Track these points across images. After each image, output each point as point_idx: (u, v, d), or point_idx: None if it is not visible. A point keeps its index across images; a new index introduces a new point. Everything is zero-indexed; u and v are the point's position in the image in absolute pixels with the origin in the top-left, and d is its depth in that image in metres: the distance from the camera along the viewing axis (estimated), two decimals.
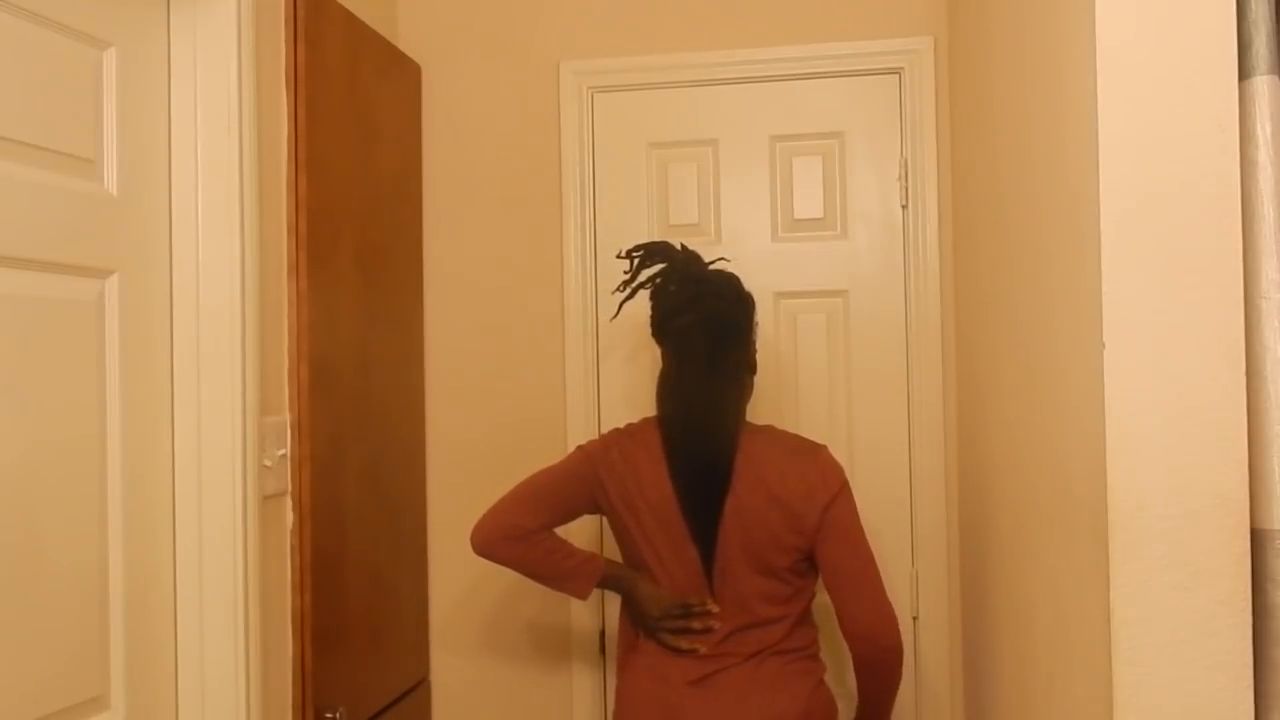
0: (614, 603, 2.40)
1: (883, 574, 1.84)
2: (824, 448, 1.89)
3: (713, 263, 1.95)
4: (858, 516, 1.85)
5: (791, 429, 2.03)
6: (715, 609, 1.83)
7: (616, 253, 2.02)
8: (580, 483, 1.89)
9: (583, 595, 1.91)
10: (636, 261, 1.96)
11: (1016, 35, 1.70)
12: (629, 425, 1.96)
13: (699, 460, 1.82)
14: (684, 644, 1.82)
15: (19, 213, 1.45)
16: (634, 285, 1.96)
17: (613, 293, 2.03)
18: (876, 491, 2.39)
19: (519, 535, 1.83)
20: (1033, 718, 1.67)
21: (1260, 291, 1.20)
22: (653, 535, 1.85)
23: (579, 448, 1.95)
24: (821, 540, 1.82)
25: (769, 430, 1.91)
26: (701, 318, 1.84)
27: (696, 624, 1.83)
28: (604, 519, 2.02)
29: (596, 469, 1.88)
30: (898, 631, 1.82)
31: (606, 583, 1.92)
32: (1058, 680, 1.49)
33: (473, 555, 1.86)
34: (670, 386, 1.88)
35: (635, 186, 2.49)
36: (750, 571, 1.82)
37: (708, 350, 1.83)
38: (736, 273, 1.95)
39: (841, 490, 1.84)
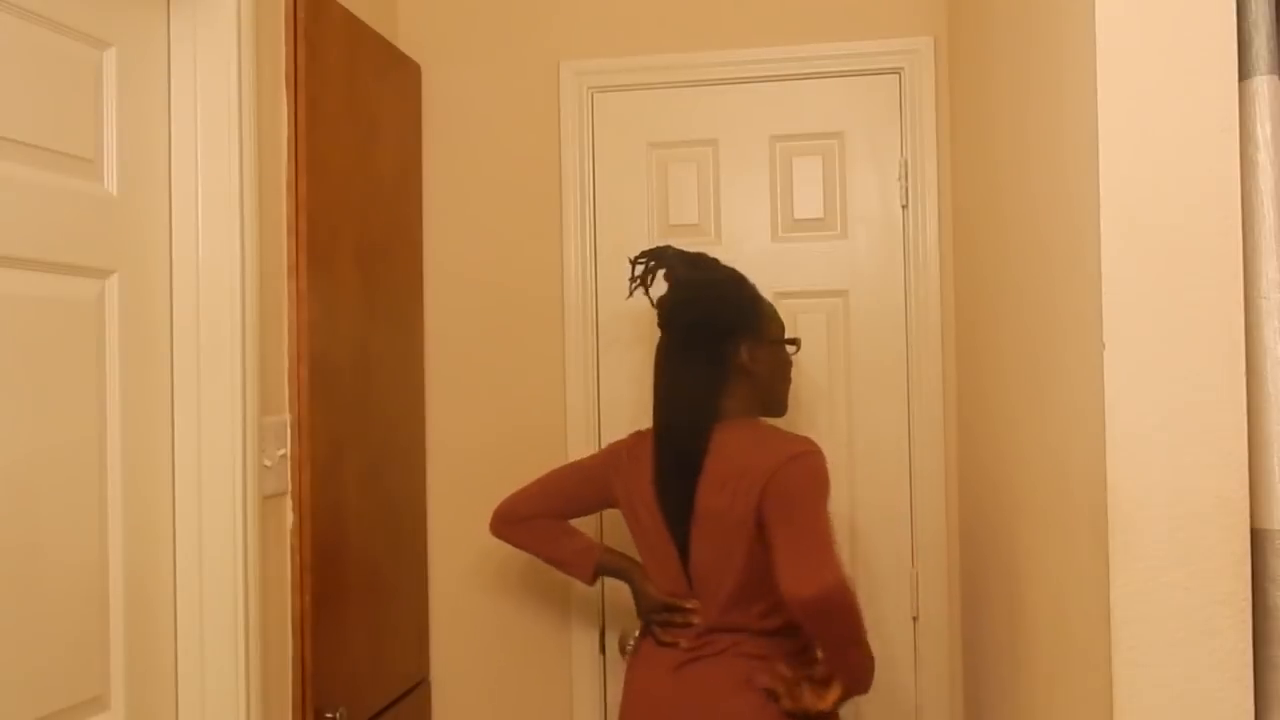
0: (614, 603, 2.41)
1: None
2: (803, 440, 1.80)
3: (718, 266, 1.97)
4: (813, 489, 1.72)
5: (790, 429, 1.94)
6: (695, 609, 1.85)
7: (628, 257, 2.04)
8: (593, 479, 2.00)
9: (584, 579, 2.02)
10: (640, 268, 2.00)
11: (1016, 35, 1.70)
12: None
13: (668, 459, 1.87)
14: (666, 638, 1.88)
15: (19, 213, 1.45)
16: (635, 289, 2.01)
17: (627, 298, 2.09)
18: (876, 492, 2.39)
19: (516, 520, 2.00)
20: (1033, 718, 1.67)
21: (1260, 291, 1.20)
22: (647, 532, 1.91)
23: (610, 444, 2.05)
24: (764, 509, 1.73)
25: (749, 424, 1.87)
26: (685, 322, 1.89)
27: (679, 619, 1.87)
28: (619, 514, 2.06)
29: (608, 468, 1.98)
30: (837, 582, 1.64)
31: (608, 571, 2.02)
32: (1058, 680, 1.49)
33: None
34: (654, 389, 1.94)
35: (635, 186, 2.49)
36: (722, 571, 1.82)
37: (682, 353, 1.88)
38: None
39: (794, 460, 1.73)
